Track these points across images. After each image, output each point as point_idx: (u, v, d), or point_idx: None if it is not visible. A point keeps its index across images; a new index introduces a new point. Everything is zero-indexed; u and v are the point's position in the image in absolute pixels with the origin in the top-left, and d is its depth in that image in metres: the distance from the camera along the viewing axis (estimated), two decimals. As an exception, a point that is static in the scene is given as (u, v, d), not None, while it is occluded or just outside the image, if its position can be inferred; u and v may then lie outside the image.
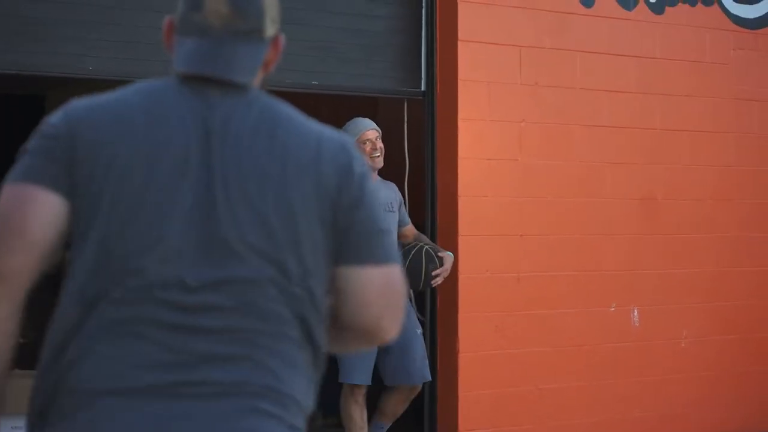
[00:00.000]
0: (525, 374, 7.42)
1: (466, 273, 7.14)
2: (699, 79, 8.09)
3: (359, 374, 6.44)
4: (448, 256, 6.69)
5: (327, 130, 2.40)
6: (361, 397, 6.55)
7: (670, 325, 7.95)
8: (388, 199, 6.53)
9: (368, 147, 6.47)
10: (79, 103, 2.30)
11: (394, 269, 2.36)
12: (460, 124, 7.23)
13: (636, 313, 7.82)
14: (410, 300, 6.56)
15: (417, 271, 6.49)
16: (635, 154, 7.86)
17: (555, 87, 7.56)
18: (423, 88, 7.39)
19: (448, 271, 6.69)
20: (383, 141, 6.68)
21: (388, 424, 6.76)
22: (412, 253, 6.57)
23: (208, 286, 2.20)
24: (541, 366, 7.47)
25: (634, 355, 7.80)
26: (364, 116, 6.78)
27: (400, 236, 6.70)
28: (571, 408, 7.56)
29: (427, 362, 6.68)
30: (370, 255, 2.34)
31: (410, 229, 6.81)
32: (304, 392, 2.33)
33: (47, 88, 12.60)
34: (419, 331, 6.68)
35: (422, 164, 7.36)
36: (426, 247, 6.61)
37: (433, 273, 6.56)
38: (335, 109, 9.63)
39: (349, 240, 2.33)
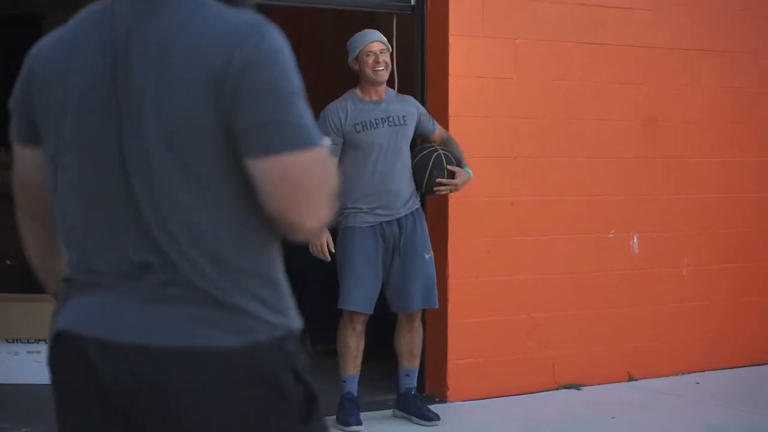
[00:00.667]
0: (517, 302, 7.14)
1: (456, 196, 6.83)
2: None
3: (357, 301, 6.14)
4: (463, 172, 6.40)
5: (241, 16, 2.17)
6: (359, 325, 6.23)
7: (670, 252, 7.64)
8: (399, 113, 6.25)
9: (371, 59, 6.16)
10: (43, 39, 2.35)
11: (297, 157, 2.12)
12: (452, 40, 6.88)
13: (636, 240, 7.52)
14: (421, 221, 6.34)
15: (420, 172, 6.27)
16: (636, 74, 7.51)
17: (552, 2, 7.20)
18: (413, 2, 7.03)
19: (458, 188, 6.41)
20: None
21: (410, 367, 6.41)
22: (422, 153, 6.33)
23: None
24: (534, 294, 7.19)
25: (633, 283, 7.51)
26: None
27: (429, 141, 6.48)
28: (565, 338, 7.28)
29: (434, 289, 6.34)
30: (261, 144, 2.12)
31: (438, 134, 6.48)
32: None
33: (46, 9, 12.52)
34: (428, 255, 6.31)
35: (412, 82, 7.03)
36: (440, 151, 6.33)
37: (438, 181, 6.28)
38: (321, 24, 9.27)
39: (239, 128, 2.13)
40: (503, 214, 7.07)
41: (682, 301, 7.69)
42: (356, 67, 6.25)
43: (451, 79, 6.88)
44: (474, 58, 6.96)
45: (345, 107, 6.18)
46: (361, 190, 6.13)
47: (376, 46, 6.19)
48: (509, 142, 7.08)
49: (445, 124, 6.81)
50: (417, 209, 6.32)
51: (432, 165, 6.25)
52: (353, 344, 6.21)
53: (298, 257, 8.06)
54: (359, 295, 6.12)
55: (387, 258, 6.21)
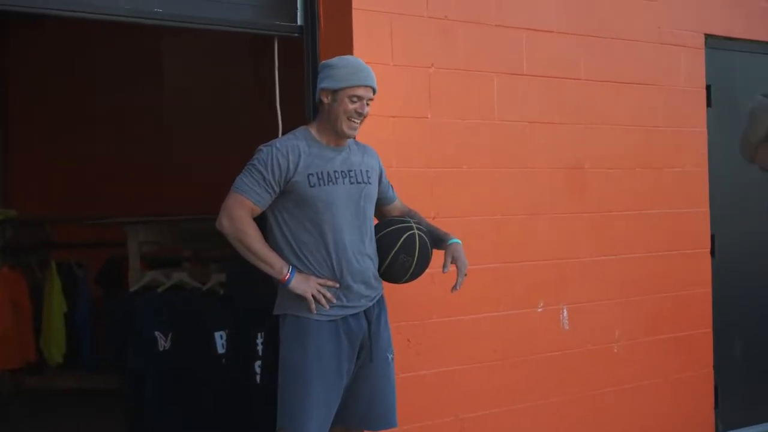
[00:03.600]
0: (443, 401, 5.63)
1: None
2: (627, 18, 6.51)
3: (314, 428, 4.39)
4: (455, 248, 4.75)
5: None
6: None
7: (601, 326, 6.33)
8: (363, 167, 4.59)
9: (354, 107, 4.47)
10: None
11: None
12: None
13: (565, 314, 6.15)
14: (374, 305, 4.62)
15: (382, 251, 4.58)
16: (557, 112, 6.19)
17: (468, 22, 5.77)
18: (299, 21, 5.43)
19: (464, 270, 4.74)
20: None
21: None
22: (390, 228, 4.62)
23: None
24: (462, 389, 5.69)
25: (564, 366, 6.14)
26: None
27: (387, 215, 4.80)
28: (496, 440, 5.83)
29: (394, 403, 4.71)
30: None
31: (398, 206, 4.87)
32: None
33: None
34: (391, 356, 4.67)
35: (301, 123, 5.40)
36: (415, 231, 4.62)
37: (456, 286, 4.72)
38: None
39: None
40: (423, 290, 5.53)
41: (614, 384, 6.37)
42: (326, 101, 4.50)
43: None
44: (383, 91, 5.43)
45: (297, 149, 4.44)
46: (317, 268, 4.43)
47: (365, 92, 4.51)
48: (425, 197, 5.57)
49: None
50: (382, 295, 4.65)
51: (400, 247, 4.57)
52: None
53: (131, 355, 6.39)
54: (317, 419, 4.37)
55: (351, 364, 4.52)
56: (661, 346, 6.60)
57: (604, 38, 6.38)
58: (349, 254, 4.43)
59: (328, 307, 4.38)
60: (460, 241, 4.76)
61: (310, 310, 4.37)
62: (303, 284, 4.37)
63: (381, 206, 4.77)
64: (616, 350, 6.38)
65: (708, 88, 6.88)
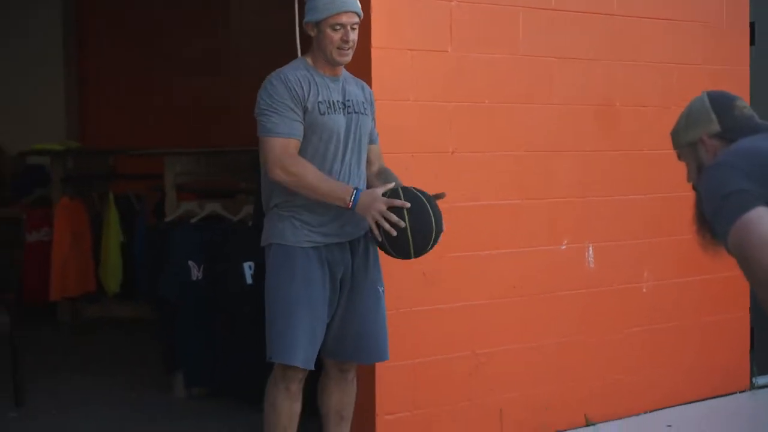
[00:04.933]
0: (459, 336, 5.62)
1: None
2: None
3: (301, 354, 4.42)
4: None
5: None
6: (295, 383, 4.51)
7: (629, 265, 6.25)
8: (359, 98, 4.60)
9: (338, 35, 4.45)
10: None
11: None
12: (374, 3, 5.31)
13: (591, 252, 6.09)
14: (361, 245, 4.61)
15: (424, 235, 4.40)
16: (589, 47, 6.09)
17: (493, -45, 5.71)
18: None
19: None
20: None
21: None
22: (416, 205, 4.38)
23: None
24: (478, 325, 5.68)
25: (589, 306, 6.08)
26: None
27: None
28: (514, 378, 5.81)
29: (386, 335, 4.72)
30: None
31: (376, 153, 4.77)
32: None
33: None
34: (381, 288, 4.68)
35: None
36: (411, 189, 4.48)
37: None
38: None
39: None
40: (439, 224, 5.53)
41: (642, 324, 6.30)
42: (313, 34, 4.52)
43: (373, 52, 5.30)
44: (400, 24, 5.41)
45: (306, 77, 4.44)
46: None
47: (348, 18, 4.47)
48: (444, 132, 5.55)
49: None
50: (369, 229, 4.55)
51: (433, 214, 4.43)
52: (286, 409, 4.49)
53: (164, 286, 6.49)
54: (303, 347, 4.41)
55: (334, 294, 4.54)
56: (693, 287, 6.49)
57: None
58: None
59: (394, 233, 4.27)
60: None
61: (374, 237, 4.32)
62: (365, 210, 4.30)
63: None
64: (644, 290, 6.30)
65: (752, 25, 6.72)
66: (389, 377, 5.36)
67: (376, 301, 4.62)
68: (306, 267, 4.42)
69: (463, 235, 5.58)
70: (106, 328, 8.93)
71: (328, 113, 4.45)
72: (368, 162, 4.71)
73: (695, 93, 6.22)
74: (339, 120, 4.48)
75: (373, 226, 4.29)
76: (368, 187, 4.60)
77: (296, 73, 4.47)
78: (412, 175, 5.38)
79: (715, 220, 3.00)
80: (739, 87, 6.64)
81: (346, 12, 4.45)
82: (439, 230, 4.43)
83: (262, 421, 4.61)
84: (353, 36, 4.49)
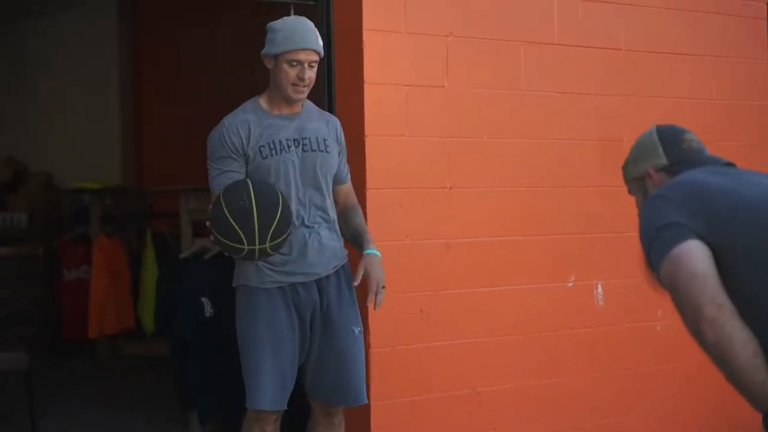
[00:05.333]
0: (458, 373, 5.56)
1: (375, 240, 5.22)
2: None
3: (267, 398, 4.38)
4: (371, 258, 4.44)
5: None
6: (270, 424, 4.45)
7: (641, 302, 6.13)
8: (319, 134, 4.46)
9: (293, 72, 4.33)
10: None
11: None
12: (366, 36, 5.30)
13: (600, 290, 5.99)
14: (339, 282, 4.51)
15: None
16: (593, 82, 6.01)
17: (492, -11, 5.67)
18: (315, -10, 5.45)
19: (383, 286, 4.41)
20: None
21: None
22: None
23: None
24: (477, 362, 5.61)
25: (598, 344, 5.98)
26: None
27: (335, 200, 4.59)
28: (516, 416, 5.71)
29: (364, 378, 4.57)
30: None
31: (345, 191, 4.63)
32: None
33: None
34: (357, 330, 4.52)
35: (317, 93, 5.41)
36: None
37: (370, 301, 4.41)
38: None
39: None
40: (437, 260, 5.48)
41: (656, 363, 6.17)
42: (270, 67, 4.42)
43: (366, 88, 5.29)
44: (396, 59, 5.39)
45: (245, 122, 4.38)
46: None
47: (305, 56, 4.35)
48: (442, 167, 5.51)
49: (359, 146, 5.23)
50: (343, 265, 4.51)
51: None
52: None
53: (179, 323, 6.51)
54: (271, 390, 4.36)
55: (304, 334, 4.46)
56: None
57: (644, 7, 6.17)
58: (294, 225, 4.33)
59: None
60: (377, 253, 4.47)
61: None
62: None
63: (333, 183, 4.55)
64: (659, 328, 6.17)
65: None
66: (385, 415, 5.31)
67: (352, 342, 4.48)
68: (269, 308, 4.36)
69: (461, 271, 5.53)
70: (144, 365, 8.98)
71: (272, 155, 4.35)
72: (335, 201, 4.57)
73: (711, 127, 6.14)
74: (288, 159, 4.36)
75: None
76: (338, 228, 4.52)
77: (237, 118, 4.40)
78: (406, 211, 5.37)
79: (649, 253, 2.95)
80: (755, 120, 6.52)
81: (304, 49, 4.35)
82: (286, 214, 4.17)
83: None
84: (310, 74, 4.37)
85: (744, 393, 2.81)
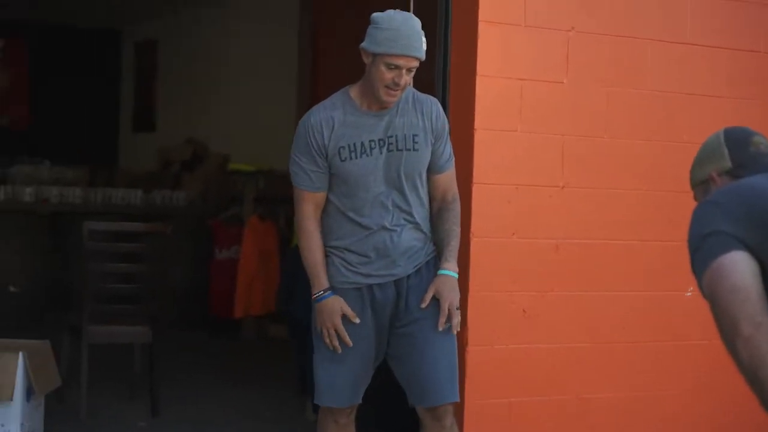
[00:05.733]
0: (562, 378, 5.40)
1: (480, 236, 5.16)
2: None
3: (335, 395, 4.32)
4: (443, 279, 4.28)
5: None
6: (344, 417, 4.38)
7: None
8: (408, 130, 4.25)
9: (390, 75, 4.10)
10: None
11: None
12: (482, 27, 5.20)
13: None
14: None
15: None
16: (725, 84, 5.76)
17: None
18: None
19: (457, 308, 4.26)
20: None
21: None
22: None
23: None
24: (583, 367, 5.44)
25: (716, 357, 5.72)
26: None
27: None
28: (624, 426, 5.52)
29: (456, 374, 4.36)
30: None
31: (441, 181, 4.38)
32: None
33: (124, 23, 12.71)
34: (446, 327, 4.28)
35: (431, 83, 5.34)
36: None
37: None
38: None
39: None
40: (545, 261, 5.34)
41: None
42: (367, 61, 4.20)
43: (479, 80, 5.19)
44: (511, 52, 5.27)
45: (330, 120, 4.22)
46: (342, 234, 4.29)
47: (405, 62, 4.11)
48: (555, 166, 5.36)
49: (469, 140, 5.13)
50: (428, 262, 4.34)
51: None
52: None
53: (298, 306, 6.53)
54: (338, 388, 4.31)
55: (381, 334, 4.33)
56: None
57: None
58: (374, 229, 4.24)
59: (338, 349, 4.23)
60: (453, 274, 4.27)
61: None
62: (320, 315, 4.25)
63: (431, 173, 4.37)
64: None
65: None
66: (480, 415, 5.21)
67: (437, 339, 4.28)
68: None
69: (569, 273, 5.38)
70: (286, 347, 9.06)
71: (351, 158, 4.20)
72: (431, 197, 4.38)
73: None
74: (369, 163, 4.21)
75: (323, 332, 4.24)
76: (427, 225, 4.37)
77: (325, 115, 4.24)
78: (515, 208, 5.26)
79: (693, 261, 2.80)
80: None
81: (405, 56, 4.11)
82: None
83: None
84: (407, 78, 4.15)
85: None
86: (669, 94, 5.59)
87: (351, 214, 4.26)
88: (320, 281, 4.26)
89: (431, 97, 4.40)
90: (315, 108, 4.31)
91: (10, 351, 5.75)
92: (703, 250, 2.73)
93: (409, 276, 4.32)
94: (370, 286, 4.29)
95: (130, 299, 6.67)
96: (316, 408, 6.45)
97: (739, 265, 2.66)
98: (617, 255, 5.49)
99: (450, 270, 4.27)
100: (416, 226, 4.31)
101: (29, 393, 5.76)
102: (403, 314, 4.31)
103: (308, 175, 4.24)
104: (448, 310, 4.19)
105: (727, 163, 3.06)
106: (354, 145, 4.20)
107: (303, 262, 4.33)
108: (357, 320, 4.23)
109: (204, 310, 9.65)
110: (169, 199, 10.24)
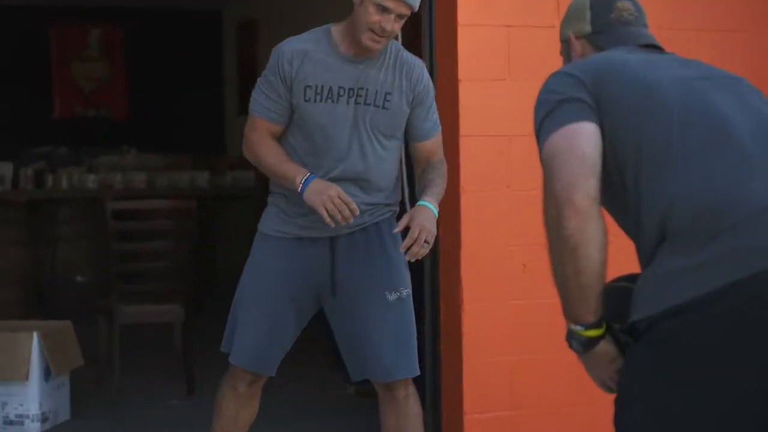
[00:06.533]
0: (561, 335, 5.20)
1: (471, 190, 5.04)
2: None
3: (243, 354, 4.09)
4: (419, 209, 3.91)
5: None
6: (244, 385, 4.15)
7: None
8: (382, 87, 4.01)
9: (376, 18, 3.84)
10: None
11: None
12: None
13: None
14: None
15: None
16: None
17: None
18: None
19: (427, 240, 3.82)
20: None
21: None
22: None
23: None
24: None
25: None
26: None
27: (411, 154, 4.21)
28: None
29: (411, 346, 4.12)
30: None
31: (427, 149, 4.15)
32: None
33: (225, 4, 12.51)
34: (393, 295, 4.06)
35: (416, 37, 5.21)
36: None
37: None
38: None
39: None
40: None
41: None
42: (355, 2, 3.93)
43: (460, 30, 5.03)
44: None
45: (302, 53, 3.97)
46: (297, 196, 3.98)
47: (396, 6, 3.85)
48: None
49: (452, 92, 4.98)
50: (376, 223, 4.08)
51: None
52: (230, 412, 4.17)
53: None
54: (248, 347, 4.08)
55: (307, 295, 4.08)
56: None
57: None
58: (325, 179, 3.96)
59: (350, 221, 3.85)
60: (432, 207, 3.92)
61: (326, 223, 3.85)
62: (315, 196, 3.83)
63: (410, 141, 4.15)
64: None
65: None
66: (480, 374, 5.06)
67: (384, 308, 4.03)
68: (263, 257, 4.10)
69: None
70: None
71: (315, 101, 3.96)
72: (415, 164, 4.16)
73: None
74: (333, 111, 3.97)
75: (322, 213, 3.83)
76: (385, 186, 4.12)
77: (299, 47, 3.99)
78: (507, 160, 5.10)
79: (543, 121, 2.66)
80: None
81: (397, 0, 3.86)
82: None
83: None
84: (395, 26, 3.89)
85: (571, 297, 2.61)
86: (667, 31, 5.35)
87: (308, 159, 4.01)
88: (295, 170, 3.92)
89: (419, 60, 4.15)
90: (292, 38, 4.09)
91: (24, 331, 5.80)
92: (560, 111, 2.62)
93: (345, 235, 4.06)
94: (301, 239, 4.06)
95: (159, 278, 6.66)
96: (348, 380, 6.41)
97: (594, 135, 2.59)
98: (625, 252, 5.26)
99: (428, 202, 3.93)
100: (368, 183, 4.06)
101: (47, 373, 5.80)
102: (337, 280, 4.05)
103: (267, 104, 4.02)
104: (417, 234, 3.78)
105: (587, 27, 2.91)
106: (321, 87, 3.98)
107: (265, 171, 4.06)
108: (356, 210, 3.86)
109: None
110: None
